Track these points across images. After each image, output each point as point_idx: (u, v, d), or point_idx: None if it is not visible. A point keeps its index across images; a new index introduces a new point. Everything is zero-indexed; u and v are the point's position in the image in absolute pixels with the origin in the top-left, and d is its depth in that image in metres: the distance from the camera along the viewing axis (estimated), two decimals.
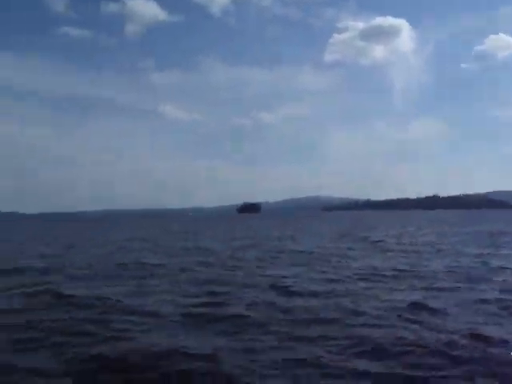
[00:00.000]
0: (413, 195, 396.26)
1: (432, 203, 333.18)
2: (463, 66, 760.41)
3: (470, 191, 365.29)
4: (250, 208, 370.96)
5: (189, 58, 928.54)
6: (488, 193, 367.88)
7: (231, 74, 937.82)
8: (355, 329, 9.62)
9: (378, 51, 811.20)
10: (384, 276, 16.81)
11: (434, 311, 11.11)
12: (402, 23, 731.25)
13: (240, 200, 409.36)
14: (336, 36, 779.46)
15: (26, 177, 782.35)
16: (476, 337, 8.77)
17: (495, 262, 20.13)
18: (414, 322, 10.08)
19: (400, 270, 18.09)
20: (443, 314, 10.76)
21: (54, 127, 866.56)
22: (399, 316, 10.63)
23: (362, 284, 15.28)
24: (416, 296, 12.92)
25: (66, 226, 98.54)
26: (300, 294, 13.59)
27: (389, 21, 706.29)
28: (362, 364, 7.54)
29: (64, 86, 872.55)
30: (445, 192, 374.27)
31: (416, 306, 11.58)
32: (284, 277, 16.99)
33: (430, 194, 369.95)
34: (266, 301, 12.66)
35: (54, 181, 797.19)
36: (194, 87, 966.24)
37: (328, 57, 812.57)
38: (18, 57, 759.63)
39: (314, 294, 13.53)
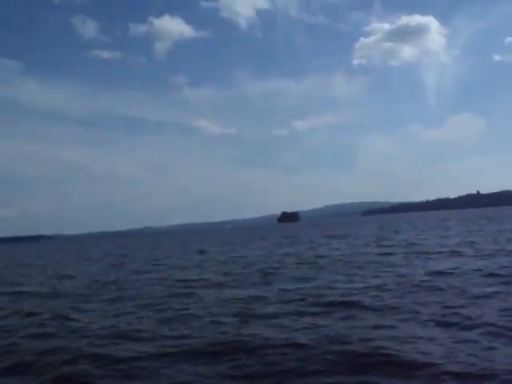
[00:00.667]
0: (453, 194, 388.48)
1: (473, 201, 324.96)
2: (496, 58, 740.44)
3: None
4: (289, 217, 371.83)
5: (219, 73, 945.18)
6: None
7: (262, 86, 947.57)
8: None
9: (407, 52, 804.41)
10: None
11: None
12: (429, 20, 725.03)
13: (280, 209, 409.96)
14: (363, 40, 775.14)
15: (68, 198, 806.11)
16: None
17: None
18: None
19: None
20: None
21: (90, 148, 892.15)
22: None
23: None
24: None
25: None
26: None
27: (416, 19, 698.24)
28: None
29: (99, 107, 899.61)
30: (486, 189, 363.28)
31: None
32: None
33: (471, 192, 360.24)
34: None
35: (94, 200, 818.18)
36: (227, 101, 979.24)
37: (356, 62, 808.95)
38: (54, 82, 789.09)
39: None
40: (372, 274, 17.30)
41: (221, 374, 7.49)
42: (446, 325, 9.37)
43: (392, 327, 9.46)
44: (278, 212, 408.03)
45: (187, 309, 12.89)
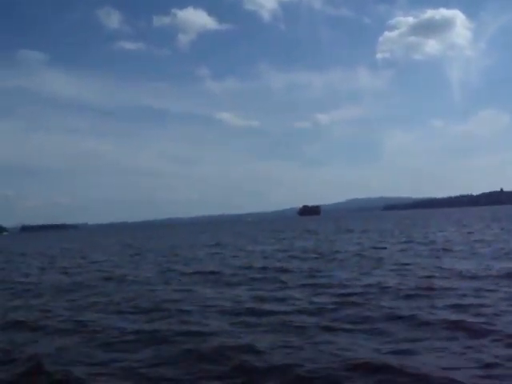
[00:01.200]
0: (476, 191, 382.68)
1: (497, 199, 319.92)
2: None
3: None
4: (310, 210, 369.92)
5: (243, 65, 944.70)
6: None
7: (285, 78, 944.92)
8: None
9: (432, 46, 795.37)
10: None
11: None
12: (455, 14, 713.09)
13: (301, 203, 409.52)
14: (387, 33, 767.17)
15: (92, 188, 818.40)
16: None
17: None
18: None
19: None
20: None
21: (115, 139, 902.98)
22: None
23: None
24: None
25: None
26: None
27: (441, 13, 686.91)
28: None
29: (123, 98, 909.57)
30: (510, 187, 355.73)
31: None
32: None
33: (495, 189, 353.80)
34: None
35: (117, 191, 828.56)
36: (250, 93, 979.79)
37: (380, 55, 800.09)
38: (79, 73, 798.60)
39: None
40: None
41: None
42: None
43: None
44: (300, 205, 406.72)
45: None
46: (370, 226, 68.09)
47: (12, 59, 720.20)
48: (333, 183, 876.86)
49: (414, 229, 50.47)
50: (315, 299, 12.67)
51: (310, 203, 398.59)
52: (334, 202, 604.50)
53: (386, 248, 27.23)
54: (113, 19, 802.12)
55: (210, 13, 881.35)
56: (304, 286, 15.09)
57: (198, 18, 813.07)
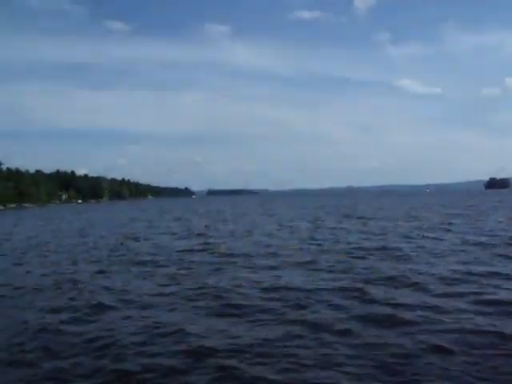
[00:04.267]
0: None
1: None
2: None
3: None
4: (498, 184, 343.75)
5: (426, 29, 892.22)
6: None
7: (473, 40, 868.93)
8: None
9: None
10: None
11: None
12: None
13: (487, 175, 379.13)
14: None
15: (274, 156, 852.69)
16: None
17: None
18: None
19: None
20: None
21: (296, 107, 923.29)
22: None
23: None
24: None
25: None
26: None
27: None
28: None
29: (303, 67, 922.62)
30: None
31: None
32: None
33: None
34: None
35: (298, 159, 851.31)
36: (434, 59, 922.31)
37: None
38: (260, 44, 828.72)
39: None
40: None
41: None
42: None
43: None
44: (486, 178, 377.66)
45: None
46: None
47: (199, 33, 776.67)
48: None
49: None
50: None
51: (499, 176, 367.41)
52: None
53: None
54: None
55: None
56: None
57: None
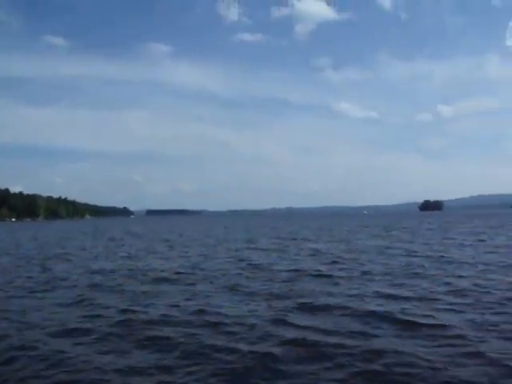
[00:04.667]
0: None
1: None
2: None
3: None
4: (432, 206, 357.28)
5: (363, 55, 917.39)
6: None
7: (407, 68, 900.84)
8: None
9: None
10: None
11: None
12: None
13: (422, 197, 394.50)
14: None
15: (214, 176, 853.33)
16: None
17: None
18: None
19: None
20: None
21: (236, 128, 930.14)
22: None
23: None
24: None
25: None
26: None
27: None
28: None
29: (244, 89, 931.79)
30: None
31: None
32: None
33: None
34: None
35: (238, 179, 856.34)
36: (371, 84, 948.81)
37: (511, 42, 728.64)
38: (202, 64, 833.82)
39: None
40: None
41: None
42: None
43: None
44: (420, 200, 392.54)
45: None
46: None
47: (140, 52, 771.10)
48: (456, 178, 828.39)
49: None
50: None
51: (433, 198, 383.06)
52: (456, 197, 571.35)
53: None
54: (232, 11, 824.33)
55: (329, 2, 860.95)
56: None
57: (316, 8, 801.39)
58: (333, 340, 8.56)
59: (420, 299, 12.08)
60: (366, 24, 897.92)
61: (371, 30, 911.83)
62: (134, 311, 11.26)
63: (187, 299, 12.73)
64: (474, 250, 24.72)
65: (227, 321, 10.16)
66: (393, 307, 11.12)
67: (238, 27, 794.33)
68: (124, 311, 11.28)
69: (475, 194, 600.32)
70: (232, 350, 8.09)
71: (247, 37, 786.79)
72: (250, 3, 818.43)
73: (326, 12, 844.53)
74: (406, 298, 12.22)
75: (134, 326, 9.81)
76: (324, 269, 18.37)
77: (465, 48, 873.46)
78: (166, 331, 9.41)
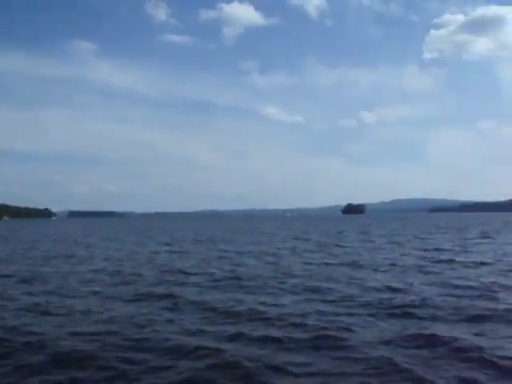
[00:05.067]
0: None
1: None
2: None
3: None
4: (355, 209, 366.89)
5: (289, 61, 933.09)
6: None
7: (332, 75, 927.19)
8: None
9: (482, 45, 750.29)
10: None
11: None
12: (507, 11, 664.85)
13: (345, 201, 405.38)
14: (434, 32, 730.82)
15: (141, 178, 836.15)
16: None
17: None
18: None
19: None
20: None
21: (164, 130, 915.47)
22: None
23: None
24: None
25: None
26: None
27: (492, 10, 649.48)
28: None
29: (171, 90, 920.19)
30: None
31: None
32: None
33: None
34: None
35: (164, 181, 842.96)
36: (296, 89, 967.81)
37: (428, 54, 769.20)
38: (129, 63, 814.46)
39: None
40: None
41: None
42: None
43: None
44: (344, 203, 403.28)
45: None
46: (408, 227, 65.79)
47: (65, 49, 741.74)
48: (378, 183, 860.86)
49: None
50: None
51: (355, 202, 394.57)
52: (378, 201, 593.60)
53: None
54: (160, 12, 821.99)
55: (257, 7, 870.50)
56: None
57: (243, 12, 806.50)
58: None
59: None
60: (293, 30, 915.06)
61: (298, 36, 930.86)
62: None
63: None
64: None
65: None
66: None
67: (166, 28, 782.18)
68: None
69: (396, 197, 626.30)
70: None
71: (175, 38, 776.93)
72: (178, 4, 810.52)
73: (254, 16, 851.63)
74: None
75: None
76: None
77: (387, 58, 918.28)
78: None
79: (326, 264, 21.97)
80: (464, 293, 14.00)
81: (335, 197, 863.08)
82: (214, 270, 19.97)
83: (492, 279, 16.47)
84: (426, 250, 28.69)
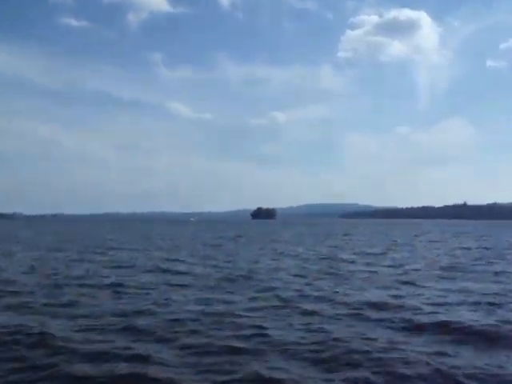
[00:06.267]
0: (439, 203, 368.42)
1: (459, 212, 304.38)
2: (490, 63, 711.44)
3: (502, 200, 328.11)
4: (265, 213, 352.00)
5: (197, 54, 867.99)
6: None
7: (243, 71, 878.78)
8: None
9: (396, 47, 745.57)
10: None
11: None
12: (421, 16, 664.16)
13: (254, 205, 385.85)
14: (350, 32, 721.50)
15: (32, 176, 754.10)
16: None
17: None
18: None
19: None
20: None
21: (60, 122, 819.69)
22: None
23: None
24: None
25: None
26: None
27: (406, 13, 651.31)
28: None
29: (69, 79, 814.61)
30: (473, 201, 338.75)
31: None
32: None
33: (458, 202, 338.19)
34: None
35: (59, 179, 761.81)
36: (204, 84, 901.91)
37: (343, 54, 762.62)
38: (20, 48, 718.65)
39: None
40: None
41: None
42: None
43: None
44: (253, 207, 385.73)
45: None
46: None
47: None
48: (288, 186, 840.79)
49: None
50: None
51: (266, 206, 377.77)
52: (288, 205, 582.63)
53: None
54: None
55: None
56: None
57: None
58: None
59: None
60: (203, 21, 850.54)
61: (208, 28, 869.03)
62: None
63: None
64: None
65: None
66: None
67: (62, 10, 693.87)
68: None
69: (307, 202, 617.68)
70: None
71: (73, 22, 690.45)
72: None
73: (160, 3, 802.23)
74: None
75: None
76: None
77: (301, 56, 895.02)
78: None
79: None
80: None
81: (245, 200, 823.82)
82: None
83: None
84: None
